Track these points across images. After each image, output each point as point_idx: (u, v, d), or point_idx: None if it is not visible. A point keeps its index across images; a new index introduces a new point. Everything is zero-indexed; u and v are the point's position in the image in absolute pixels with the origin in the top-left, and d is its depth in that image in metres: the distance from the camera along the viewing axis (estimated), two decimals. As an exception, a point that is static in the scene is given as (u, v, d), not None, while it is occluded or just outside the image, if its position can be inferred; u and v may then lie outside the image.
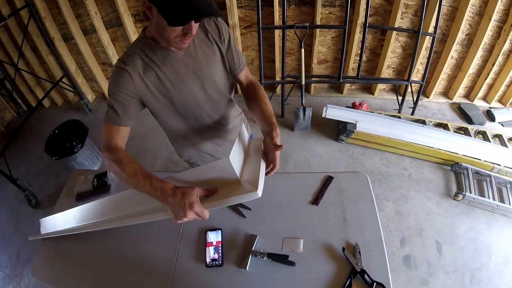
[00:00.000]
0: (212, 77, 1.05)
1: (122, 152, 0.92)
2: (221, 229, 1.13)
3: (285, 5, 2.42)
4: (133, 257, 1.12)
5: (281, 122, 2.96)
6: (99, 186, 1.37)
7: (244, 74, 1.15)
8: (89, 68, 2.96)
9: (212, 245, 1.09)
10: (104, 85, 3.15)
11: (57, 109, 3.31)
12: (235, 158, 0.84)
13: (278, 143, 0.89)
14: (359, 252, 1.07)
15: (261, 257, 1.04)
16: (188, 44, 0.89)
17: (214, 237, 1.11)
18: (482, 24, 2.59)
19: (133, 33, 2.71)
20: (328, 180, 1.30)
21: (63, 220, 1.21)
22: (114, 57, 2.88)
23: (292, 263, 1.04)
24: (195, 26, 0.82)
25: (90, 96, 3.25)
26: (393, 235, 2.07)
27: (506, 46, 2.66)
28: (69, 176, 1.49)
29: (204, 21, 0.99)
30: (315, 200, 1.23)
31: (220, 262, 1.05)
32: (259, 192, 0.78)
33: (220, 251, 1.07)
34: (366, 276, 1.00)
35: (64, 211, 1.22)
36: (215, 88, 1.08)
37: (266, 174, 0.90)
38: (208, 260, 1.06)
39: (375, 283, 0.99)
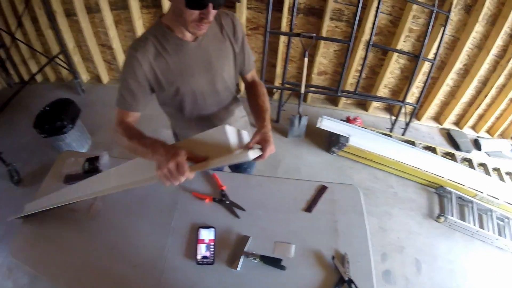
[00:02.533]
0: (222, 73, 1.07)
1: (130, 125, 0.99)
2: (214, 228, 1.13)
3: (294, 13, 2.45)
4: (120, 246, 1.09)
5: (276, 127, 2.98)
6: (89, 171, 1.31)
7: (251, 75, 1.18)
8: (87, 47, 2.88)
9: (204, 243, 1.08)
10: (101, 68, 3.08)
11: (49, 85, 3.20)
12: (231, 131, 0.86)
13: (270, 140, 0.92)
14: (348, 261, 1.09)
15: (253, 258, 1.04)
16: (204, 30, 0.90)
17: (206, 234, 1.10)
18: (480, 57, 2.70)
19: (137, 18, 2.67)
20: (322, 189, 1.32)
21: (46, 203, 1.17)
22: (114, 40, 2.82)
23: (283, 267, 1.04)
24: (212, 12, 0.84)
25: (84, 77, 3.16)
26: (375, 249, 2.10)
27: (500, 80, 2.79)
28: (57, 156, 1.43)
29: (220, 17, 1.02)
30: (309, 208, 1.25)
31: (212, 260, 1.04)
32: (250, 154, 0.81)
33: (212, 249, 1.06)
34: (353, 286, 1.02)
35: (49, 195, 1.17)
36: (223, 83, 1.09)
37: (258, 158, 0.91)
38: (199, 257, 1.04)
39: (361, 293, 1.00)
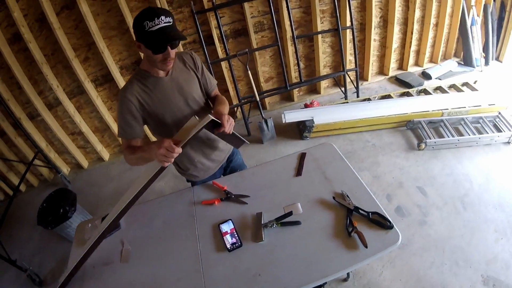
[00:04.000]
0: (192, 95, 1.35)
1: (133, 145, 1.29)
2: (231, 219, 1.30)
3: (224, 40, 2.80)
4: (161, 273, 1.19)
5: (250, 140, 3.13)
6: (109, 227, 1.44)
7: (215, 93, 1.49)
8: (59, 141, 3.01)
9: (228, 233, 1.24)
10: (78, 155, 3.20)
11: (35, 190, 3.25)
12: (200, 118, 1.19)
13: (224, 112, 1.26)
14: (347, 195, 1.29)
15: (271, 225, 1.21)
16: (170, 65, 1.20)
17: (227, 227, 1.27)
18: (391, 4, 3.09)
19: (96, 97, 2.86)
20: (303, 156, 1.56)
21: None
22: (82, 125, 2.98)
23: (298, 223, 1.22)
24: (172, 52, 1.14)
25: (65, 169, 3.26)
26: (378, 195, 2.28)
27: (417, 15, 3.17)
28: (75, 230, 1.51)
29: (182, 56, 1.34)
30: (298, 172, 1.47)
31: (239, 243, 1.20)
32: (209, 115, 1.11)
33: (236, 235, 1.23)
34: (360, 211, 1.21)
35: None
36: (196, 103, 1.37)
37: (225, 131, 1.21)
38: (228, 245, 1.20)
39: (370, 213, 1.20)
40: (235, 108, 3.33)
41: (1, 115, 2.76)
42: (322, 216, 1.25)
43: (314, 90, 3.67)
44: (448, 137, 2.54)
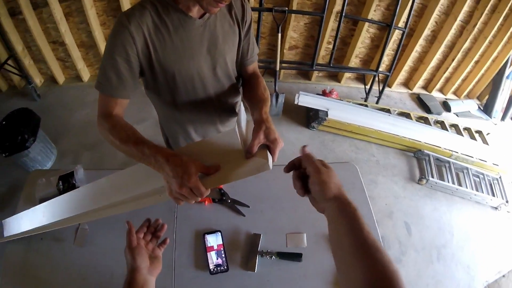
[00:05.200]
0: (225, 59, 0.95)
1: (116, 119, 0.82)
2: (220, 231, 1.07)
3: (263, -13, 2.33)
4: (121, 271, 0.95)
5: None
6: (65, 190, 1.15)
7: (253, 67, 1.07)
8: (37, 47, 2.54)
9: (213, 250, 1.02)
10: (55, 67, 2.76)
11: (1, 95, 2.83)
12: (241, 129, 0.77)
13: (275, 136, 0.77)
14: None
15: (269, 256, 1.01)
16: (218, 10, 0.77)
17: (213, 240, 1.04)
18: (448, 23, 2.79)
19: (90, 7, 2.38)
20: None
21: (28, 219, 1.03)
22: (66, 34, 2.51)
23: (299, 258, 1.02)
24: None
25: (38, 80, 2.82)
26: (375, 221, 2.18)
27: (466, 45, 2.92)
28: (26, 179, 1.25)
29: None
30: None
31: (225, 267, 0.99)
32: (270, 162, 0.71)
33: (223, 255, 1.01)
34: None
35: (30, 209, 1.04)
36: (224, 69, 0.98)
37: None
38: (211, 266, 0.98)
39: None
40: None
41: None
42: (326, 258, 1.04)
43: (334, 76, 3.38)
44: (449, 181, 2.44)
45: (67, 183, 1.18)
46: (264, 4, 2.43)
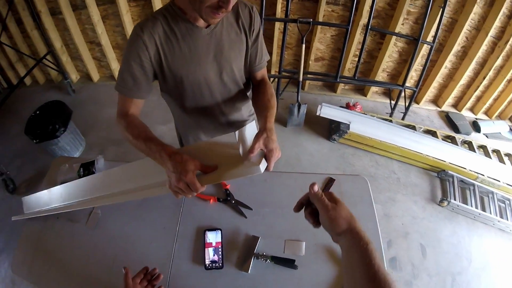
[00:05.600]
0: (231, 65, 1.00)
1: (132, 117, 0.93)
2: (220, 229, 1.09)
3: (289, -2, 2.36)
4: (123, 256, 1.05)
5: (275, 117, 2.92)
6: (85, 176, 1.26)
7: (261, 73, 1.11)
8: (75, 46, 2.76)
9: (212, 246, 1.04)
10: (90, 66, 2.97)
11: (39, 87, 3.09)
12: (242, 135, 0.81)
13: (273, 146, 0.80)
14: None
15: (264, 260, 1.01)
16: (218, 20, 0.83)
17: (213, 237, 1.06)
18: (478, 39, 2.66)
19: (125, 12, 2.55)
20: (329, 182, 1.28)
21: (47, 199, 1.13)
22: (103, 36, 2.70)
23: (295, 267, 1.01)
24: (232, 1, 0.76)
25: (74, 76, 3.05)
26: (380, 236, 2.10)
27: (498, 62, 2.76)
28: (51, 163, 1.37)
29: (238, 5, 0.95)
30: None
31: (220, 264, 1.01)
32: (262, 167, 0.75)
33: (220, 252, 1.03)
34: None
35: (49, 189, 1.14)
36: (231, 75, 1.03)
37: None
38: (207, 262, 1.01)
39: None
40: (271, 79, 3.00)
41: (22, 3, 2.49)
42: (323, 268, 1.03)
43: (361, 89, 3.32)
44: (472, 205, 2.29)
45: (87, 171, 1.27)
46: (290, 15, 2.47)
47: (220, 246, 1.04)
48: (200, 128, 1.18)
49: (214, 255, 1.02)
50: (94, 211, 1.15)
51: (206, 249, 1.03)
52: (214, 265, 1.00)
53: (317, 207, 0.64)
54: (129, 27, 2.66)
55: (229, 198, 1.18)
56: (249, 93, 1.17)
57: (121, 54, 3.01)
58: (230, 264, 1.02)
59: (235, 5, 0.93)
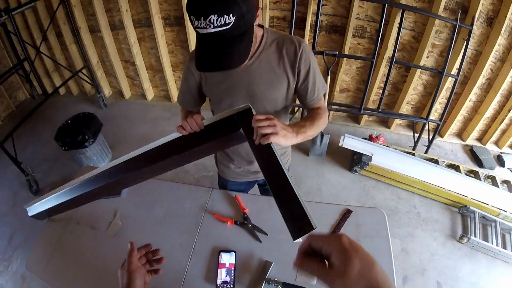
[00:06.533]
0: (263, 101, 1.02)
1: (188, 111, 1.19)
2: (235, 251, 1.11)
3: (317, 31, 2.45)
4: None
5: (297, 146, 2.95)
6: None
7: (317, 106, 1.08)
8: (111, 63, 2.96)
9: (225, 267, 1.06)
10: (124, 83, 3.15)
11: (72, 98, 3.29)
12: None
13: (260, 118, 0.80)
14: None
15: (275, 285, 1.02)
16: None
17: (227, 258, 1.09)
18: (503, 70, 2.61)
19: (161, 36, 2.72)
20: (346, 214, 1.29)
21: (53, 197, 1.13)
22: (138, 57, 2.88)
23: (305, 296, 1.01)
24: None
25: (107, 91, 3.24)
26: (397, 272, 1.99)
27: None
28: (78, 172, 1.45)
29: (284, 43, 0.96)
30: (333, 233, 1.21)
31: (232, 286, 1.02)
32: (249, 104, 0.87)
33: (232, 274, 1.05)
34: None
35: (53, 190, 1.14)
36: (262, 108, 1.04)
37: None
38: (219, 282, 1.03)
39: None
40: (296, 108, 3.06)
41: (64, 18, 2.72)
42: (335, 301, 1.02)
43: (385, 121, 3.30)
44: (493, 242, 2.19)
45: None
46: (317, 46, 2.55)
47: (233, 268, 1.06)
48: (234, 154, 1.27)
49: (226, 276, 1.04)
50: (114, 221, 1.21)
51: (219, 269, 1.06)
52: (225, 286, 1.02)
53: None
54: (163, 50, 2.82)
55: (246, 222, 1.21)
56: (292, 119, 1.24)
57: (153, 75, 3.20)
58: (242, 286, 1.03)
59: (280, 43, 0.96)
